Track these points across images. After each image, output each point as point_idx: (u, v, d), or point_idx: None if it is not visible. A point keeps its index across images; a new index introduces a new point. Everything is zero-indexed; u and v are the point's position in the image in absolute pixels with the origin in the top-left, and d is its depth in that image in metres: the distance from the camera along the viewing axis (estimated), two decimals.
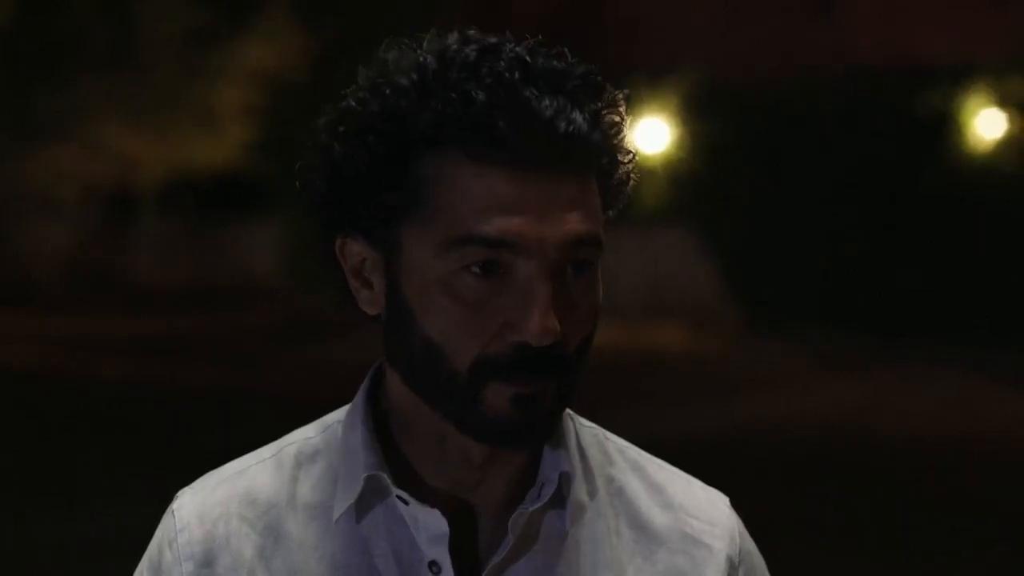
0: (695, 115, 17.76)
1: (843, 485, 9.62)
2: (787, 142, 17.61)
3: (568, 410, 1.55)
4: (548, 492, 1.49)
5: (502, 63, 1.41)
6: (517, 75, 1.40)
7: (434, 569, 1.47)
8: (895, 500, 9.22)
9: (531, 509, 1.48)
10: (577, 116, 1.40)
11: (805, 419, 11.97)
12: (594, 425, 1.60)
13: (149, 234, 23.97)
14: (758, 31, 18.84)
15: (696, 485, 1.61)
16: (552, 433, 1.49)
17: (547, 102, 1.39)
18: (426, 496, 1.48)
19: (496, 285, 1.41)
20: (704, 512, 1.58)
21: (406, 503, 1.47)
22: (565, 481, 1.50)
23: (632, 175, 1.50)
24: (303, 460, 1.55)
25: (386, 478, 1.48)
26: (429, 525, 1.47)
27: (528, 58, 1.42)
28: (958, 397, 13.25)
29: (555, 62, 1.43)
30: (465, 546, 1.49)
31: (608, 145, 1.46)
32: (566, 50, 1.45)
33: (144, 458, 10.09)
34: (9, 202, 21.51)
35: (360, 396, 1.54)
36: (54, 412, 12.21)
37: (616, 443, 1.61)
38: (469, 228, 1.39)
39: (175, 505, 1.56)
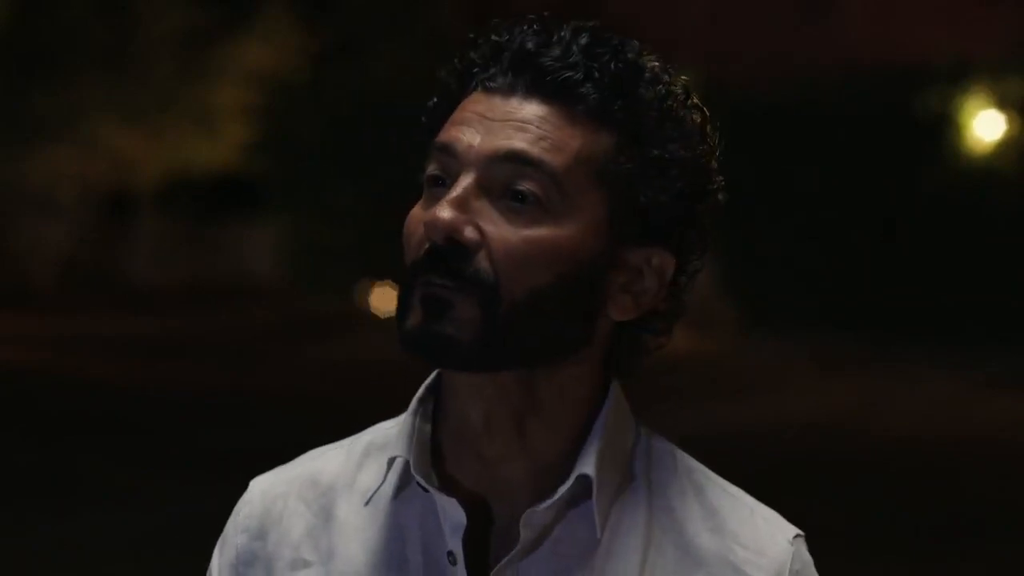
0: None
1: (842, 485, 9.62)
2: (785, 142, 17.60)
3: (643, 426, 1.55)
4: (562, 492, 1.46)
5: (537, 26, 1.46)
6: (537, 27, 1.46)
7: (451, 559, 1.46)
8: (893, 500, 9.22)
9: (540, 508, 1.46)
10: (575, 58, 1.43)
11: (804, 419, 11.97)
12: (669, 442, 1.58)
13: (148, 234, 23.91)
14: (755, 31, 18.83)
15: (760, 515, 1.55)
16: (474, 356, 1.41)
17: (542, 40, 1.44)
18: (450, 485, 1.48)
19: (441, 195, 1.43)
20: (755, 541, 1.52)
21: (426, 490, 1.47)
22: (581, 483, 1.46)
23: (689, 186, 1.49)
24: (372, 449, 1.56)
25: (405, 462, 1.48)
26: (450, 514, 1.46)
27: (563, 25, 1.46)
28: (957, 398, 13.25)
29: (591, 36, 1.46)
30: (482, 539, 1.48)
31: (632, 107, 1.46)
32: (614, 34, 1.48)
33: (144, 458, 10.08)
34: (7, 202, 21.47)
35: (428, 381, 1.54)
36: (54, 412, 12.20)
37: (686, 463, 1.57)
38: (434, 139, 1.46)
39: (252, 482, 1.61)
